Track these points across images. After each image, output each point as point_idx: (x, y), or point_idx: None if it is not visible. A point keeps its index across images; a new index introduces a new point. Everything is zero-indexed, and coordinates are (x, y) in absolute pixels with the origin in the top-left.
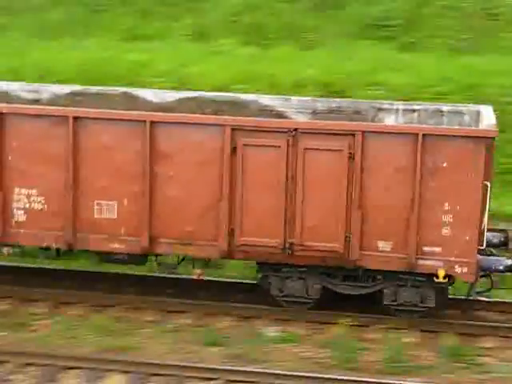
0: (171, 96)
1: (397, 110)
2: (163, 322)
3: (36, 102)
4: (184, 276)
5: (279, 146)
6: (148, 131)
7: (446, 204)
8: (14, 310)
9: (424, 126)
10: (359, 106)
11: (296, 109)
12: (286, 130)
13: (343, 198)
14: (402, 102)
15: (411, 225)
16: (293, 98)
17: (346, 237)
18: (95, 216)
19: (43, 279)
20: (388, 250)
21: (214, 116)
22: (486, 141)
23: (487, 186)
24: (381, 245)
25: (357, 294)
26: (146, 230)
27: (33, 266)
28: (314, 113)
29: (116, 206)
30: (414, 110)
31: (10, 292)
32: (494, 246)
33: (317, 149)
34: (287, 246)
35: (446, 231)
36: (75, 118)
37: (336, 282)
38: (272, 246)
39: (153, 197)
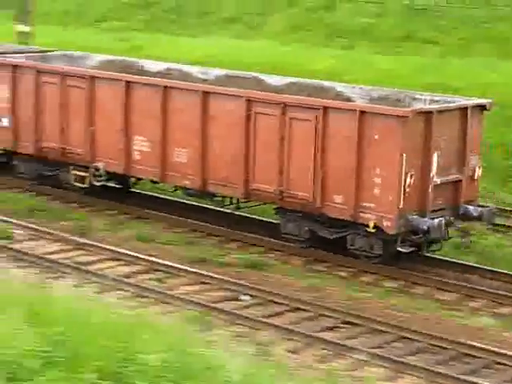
0: (282, 81)
1: (425, 100)
2: None
3: (205, 80)
4: None
5: (275, 115)
6: (201, 100)
7: (378, 169)
8: None
9: (364, 104)
10: (399, 96)
11: (358, 94)
12: (278, 102)
13: (312, 159)
14: (428, 94)
15: (354, 183)
16: (357, 86)
17: (314, 189)
18: (174, 159)
19: None
20: (340, 202)
21: (236, 89)
22: (400, 119)
23: (404, 158)
24: (335, 197)
25: (332, 237)
26: (200, 173)
27: None
28: (371, 99)
29: (186, 153)
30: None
31: None
32: (473, 218)
33: (297, 118)
34: (278, 192)
35: (376, 191)
36: (165, 87)
37: (318, 227)
38: (270, 192)
39: (204, 148)
